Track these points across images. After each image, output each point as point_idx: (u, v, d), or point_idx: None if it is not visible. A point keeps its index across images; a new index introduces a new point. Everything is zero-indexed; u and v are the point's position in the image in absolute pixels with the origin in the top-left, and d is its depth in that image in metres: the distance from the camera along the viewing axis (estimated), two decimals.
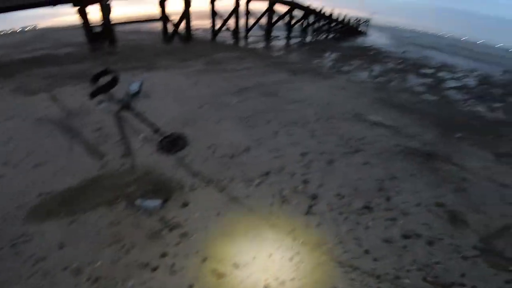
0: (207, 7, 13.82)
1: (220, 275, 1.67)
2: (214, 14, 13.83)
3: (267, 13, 14.59)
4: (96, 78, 2.07)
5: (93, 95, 1.94)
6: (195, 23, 15.16)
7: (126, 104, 2.27)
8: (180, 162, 2.82)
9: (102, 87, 2.06)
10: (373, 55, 12.17)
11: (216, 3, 13.55)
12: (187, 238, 1.98)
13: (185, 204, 2.28)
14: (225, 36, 14.76)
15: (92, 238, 1.94)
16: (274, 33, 15.13)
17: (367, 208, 2.39)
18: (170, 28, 12.37)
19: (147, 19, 13.21)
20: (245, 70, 6.62)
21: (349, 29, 19.84)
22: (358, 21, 21.63)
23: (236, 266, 1.75)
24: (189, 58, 8.01)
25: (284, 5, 14.96)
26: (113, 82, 2.02)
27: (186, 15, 11.97)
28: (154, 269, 1.72)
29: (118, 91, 2.32)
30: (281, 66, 7.27)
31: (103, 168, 2.68)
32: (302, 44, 14.84)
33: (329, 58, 10.62)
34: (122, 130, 2.32)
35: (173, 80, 5.57)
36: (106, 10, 9.70)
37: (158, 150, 2.97)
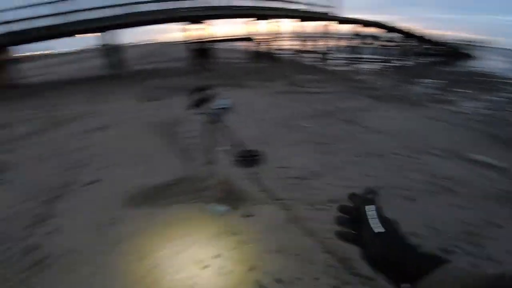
0: (295, 28, 14.46)
1: (261, 286, 1.73)
2: (301, 35, 14.37)
3: (355, 35, 14.24)
4: (195, 91, 2.40)
5: (190, 107, 2.27)
6: (283, 43, 16.01)
7: (216, 118, 2.57)
8: (252, 177, 3.03)
9: (199, 101, 2.41)
10: (481, 81, 10.29)
11: (303, 24, 14.04)
12: (243, 246, 2.10)
13: (249, 215, 2.44)
14: (311, 58, 15.07)
15: (164, 230, 2.28)
16: (362, 56, 14.56)
17: (446, 251, 2.05)
18: (259, 48, 13.47)
19: (240, 38, 14.68)
20: (326, 93, 6.60)
21: (451, 52, 17.34)
22: (464, 43, 18.68)
23: (279, 281, 1.77)
24: (274, 79, 8.50)
25: (375, 28, 14.30)
26: (209, 97, 2.32)
27: (274, 35, 12.85)
28: (205, 267, 1.89)
29: (212, 105, 2.71)
30: (365, 91, 6.94)
31: (189, 172, 3.12)
32: (392, 68, 13.74)
33: (423, 84, 9.51)
34: (209, 141, 2.65)
35: (257, 99, 6.02)
36: (206, 29, 11.28)
37: (236, 163, 3.24)
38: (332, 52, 14.66)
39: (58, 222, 2.45)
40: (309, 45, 14.66)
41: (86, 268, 1.92)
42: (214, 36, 12.82)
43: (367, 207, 0.47)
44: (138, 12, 10.38)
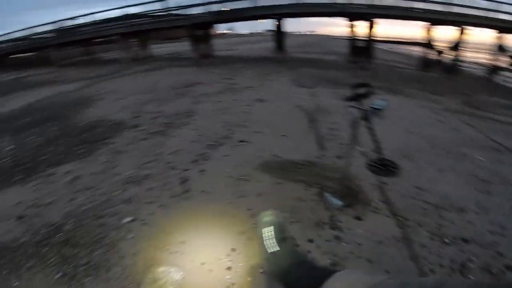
0: (487, 39, 11.05)
1: None
2: (499, 47, 10.84)
3: None
4: (356, 86, 2.45)
5: (348, 99, 2.33)
6: (466, 54, 12.69)
7: (367, 116, 2.54)
8: (379, 186, 2.86)
9: (357, 95, 2.44)
10: None
11: (504, 35, 10.45)
12: (338, 242, 2.08)
13: (359, 218, 2.37)
14: (508, 77, 11.29)
15: (277, 204, 2.52)
16: None
17: None
18: (431, 55, 11.37)
19: (408, 41, 12.85)
20: None
21: None
22: None
23: None
24: (442, 93, 7.10)
25: None
26: (368, 94, 2.32)
27: (456, 44, 10.38)
28: (295, 246, 1.99)
29: (369, 103, 2.70)
30: None
31: (319, 158, 3.31)
32: None
33: None
34: (353, 136, 2.68)
35: (413, 111, 5.31)
36: (370, 27, 10.58)
37: (368, 166, 3.14)
38: None
39: (208, 164, 3.29)
40: (508, 61, 10.94)
41: (213, 207, 2.49)
42: (380, 36, 11.91)
43: (263, 229, 0.48)
44: (309, 4, 11.11)
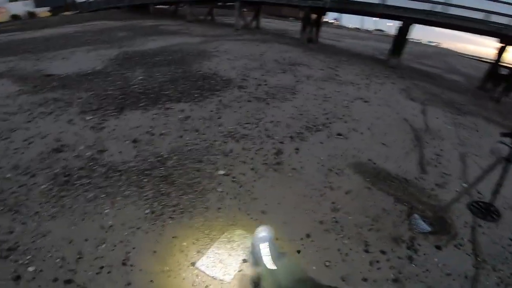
0: None
1: None
2: None
3: None
4: None
5: (505, 134, 2.10)
6: None
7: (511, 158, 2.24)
8: (473, 226, 2.54)
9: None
10: None
11: None
12: (409, 261, 2.02)
13: (439, 247, 2.21)
14: None
15: (361, 207, 2.48)
16: None
17: None
18: None
19: None
20: None
21: None
22: None
23: None
24: None
25: None
26: None
27: None
28: (366, 251, 2.04)
29: None
30: None
31: (417, 180, 3.02)
32: None
33: None
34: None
35: None
36: None
37: (469, 205, 2.90)
38: None
39: (304, 145, 3.34)
40: None
41: (299, 189, 2.57)
42: None
43: (261, 245, 0.44)
44: (452, 15, 9.48)
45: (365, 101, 5.10)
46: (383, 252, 2.10)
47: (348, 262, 1.95)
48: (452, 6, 9.74)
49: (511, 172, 2.53)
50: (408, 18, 9.99)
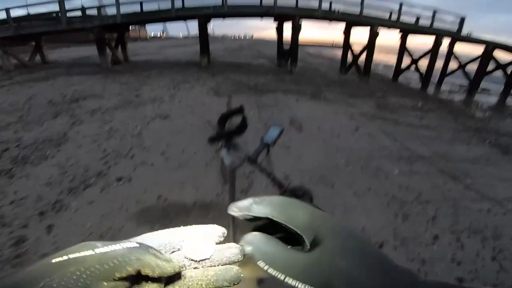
0: (396, 42, 12.37)
1: None
2: (402, 50, 12.18)
3: (478, 59, 11.23)
4: (224, 118, 1.55)
5: (212, 140, 1.32)
6: (378, 57, 14.09)
7: (251, 158, 1.83)
8: None
9: (227, 133, 1.65)
10: None
11: (408, 39, 11.85)
12: None
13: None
14: (411, 79, 12.73)
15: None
16: (484, 85, 11.46)
17: None
18: (349, 58, 12.07)
19: (329, 45, 13.51)
20: (425, 128, 5.13)
21: None
22: None
23: None
24: (359, 95, 7.29)
25: (508, 52, 10.96)
26: (242, 127, 1.47)
27: (368, 47, 11.18)
28: None
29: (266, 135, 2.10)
30: (483, 135, 5.11)
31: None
32: None
33: None
34: (232, 188, 2.02)
35: (331, 118, 5.10)
36: (296, 30, 10.62)
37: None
38: (443, 75, 12.01)
39: (60, 217, 2.28)
40: (413, 63, 12.35)
41: None
42: (304, 39, 12.20)
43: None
44: (235, 5, 10.70)
45: (165, 118, 4.44)
46: None
47: None
48: None
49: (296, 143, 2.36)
50: (201, 15, 10.38)
